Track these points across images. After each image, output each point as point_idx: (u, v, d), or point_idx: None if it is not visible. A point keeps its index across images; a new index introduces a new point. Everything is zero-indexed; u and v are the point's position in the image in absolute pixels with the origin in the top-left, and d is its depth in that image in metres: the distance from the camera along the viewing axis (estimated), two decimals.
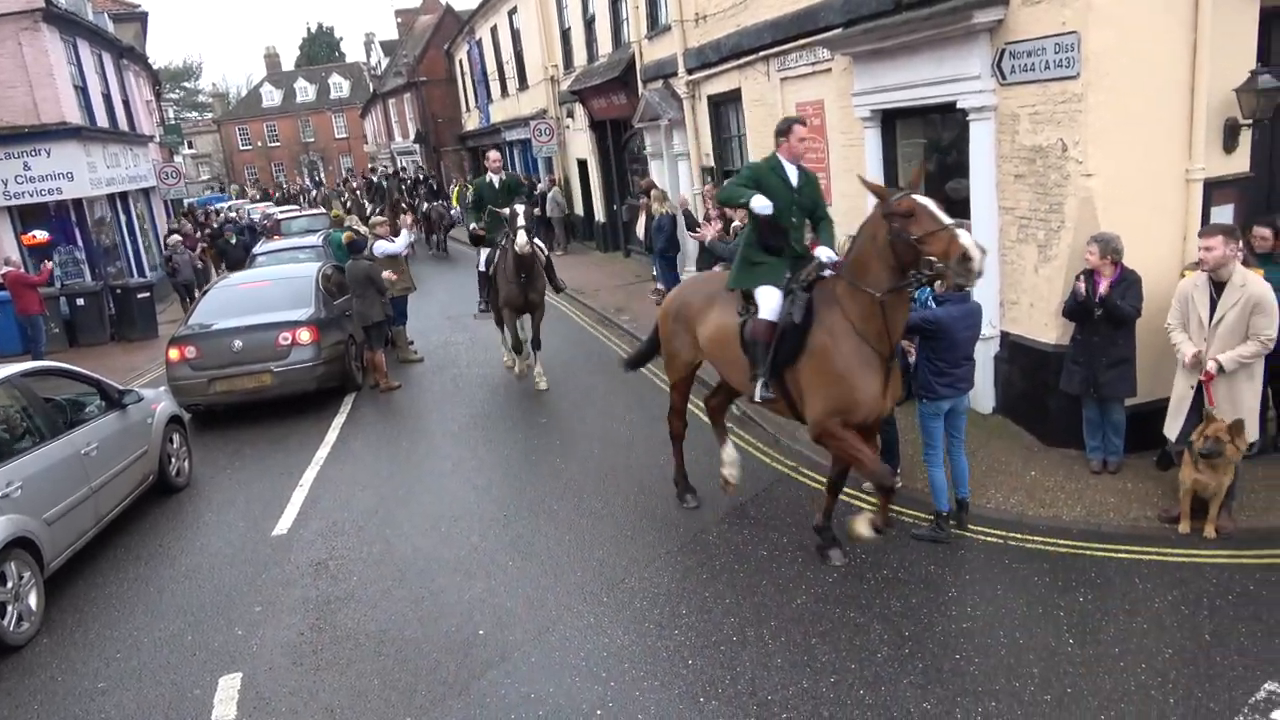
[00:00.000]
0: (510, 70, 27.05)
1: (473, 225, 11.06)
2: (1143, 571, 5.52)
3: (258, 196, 54.76)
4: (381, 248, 12.69)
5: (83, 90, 19.48)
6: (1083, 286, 6.40)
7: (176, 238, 19.55)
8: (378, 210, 22.66)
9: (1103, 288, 6.32)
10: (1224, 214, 6.90)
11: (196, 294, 16.49)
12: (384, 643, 5.56)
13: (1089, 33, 6.51)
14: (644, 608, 5.66)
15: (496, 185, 10.92)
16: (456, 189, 29.36)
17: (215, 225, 24.72)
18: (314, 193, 46.99)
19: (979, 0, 7.17)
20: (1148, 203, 6.83)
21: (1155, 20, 6.54)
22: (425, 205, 26.39)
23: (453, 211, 26.74)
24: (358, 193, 31.31)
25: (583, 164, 22.20)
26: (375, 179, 34.08)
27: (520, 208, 9.85)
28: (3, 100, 17.00)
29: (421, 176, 31.71)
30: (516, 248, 9.67)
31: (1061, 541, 5.93)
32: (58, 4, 18.28)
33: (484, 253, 10.97)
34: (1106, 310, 6.30)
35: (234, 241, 21.06)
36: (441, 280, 20.48)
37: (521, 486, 7.88)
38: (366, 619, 5.86)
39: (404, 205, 24.48)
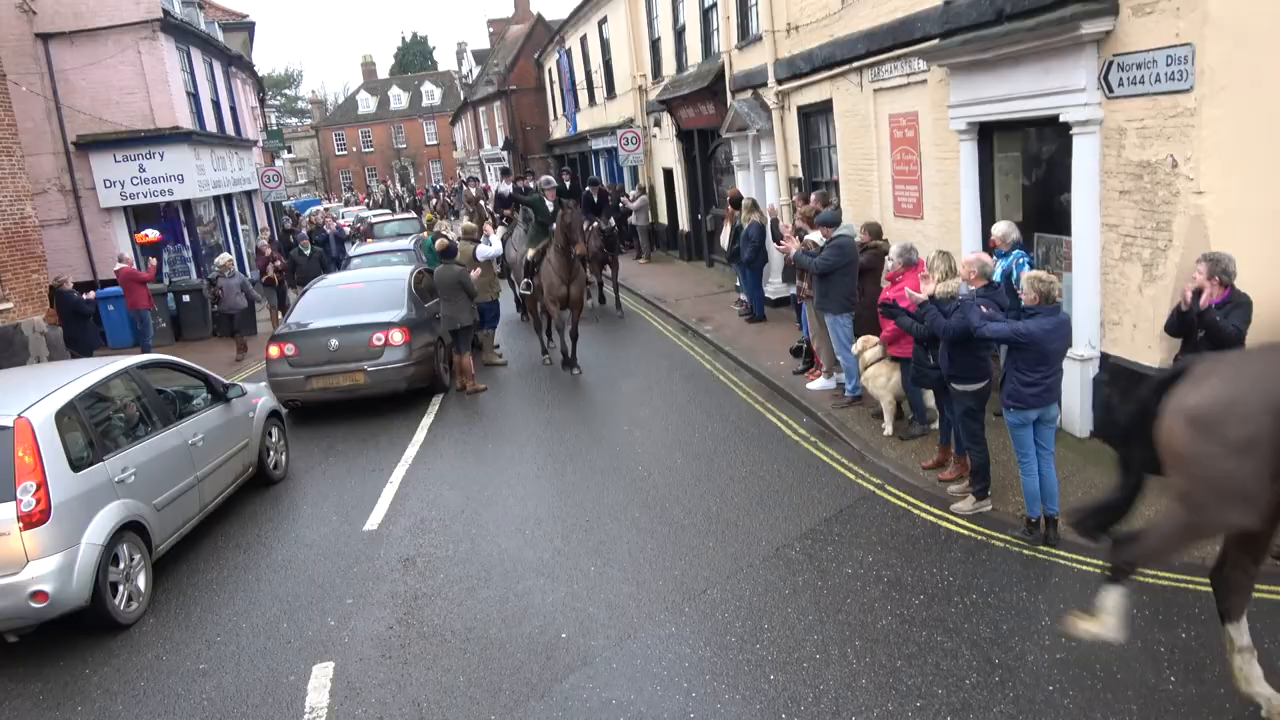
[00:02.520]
0: (598, 79, 27.33)
1: None
2: (1251, 610, 5.25)
3: (379, 201, 53.73)
4: (483, 251, 13.04)
5: (194, 97, 20.45)
6: (1190, 296, 6.13)
7: (227, 257, 16.48)
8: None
9: (1203, 302, 6.04)
10: None
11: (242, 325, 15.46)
12: (469, 640, 5.67)
13: (1205, 45, 6.27)
14: (726, 620, 5.65)
15: None
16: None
17: (297, 233, 21.45)
18: (433, 200, 42.88)
19: (1087, 11, 6.97)
20: (1263, 224, 6.52)
21: (1275, 33, 6.26)
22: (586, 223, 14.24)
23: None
24: (481, 204, 23.70)
25: (668, 173, 22.29)
26: (515, 187, 21.87)
27: None
28: (122, 105, 17.96)
29: (567, 183, 19.88)
30: None
31: (1163, 574, 5.69)
32: (174, 15, 19.25)
33: None
34: (1206, 328, 6.03)
35: (308, 254, 18.42)
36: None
37: (603, 492, 7.94)
38: (453, 616, 6.00)
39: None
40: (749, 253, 13.27)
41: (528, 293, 13.01)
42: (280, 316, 16.87)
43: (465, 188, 32.27)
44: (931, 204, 10.18)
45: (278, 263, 17.40)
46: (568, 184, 19.87)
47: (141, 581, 6.44)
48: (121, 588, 6.20)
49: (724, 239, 14.83)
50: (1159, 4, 6.54)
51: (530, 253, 12.91)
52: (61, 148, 17.67)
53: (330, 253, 21.47)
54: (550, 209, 12.64)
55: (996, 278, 7.50)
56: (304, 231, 21.84)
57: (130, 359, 7.66)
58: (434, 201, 41.00)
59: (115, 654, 5.88)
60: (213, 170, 20.35)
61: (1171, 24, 6.46)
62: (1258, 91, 6.33)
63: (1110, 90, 7.12)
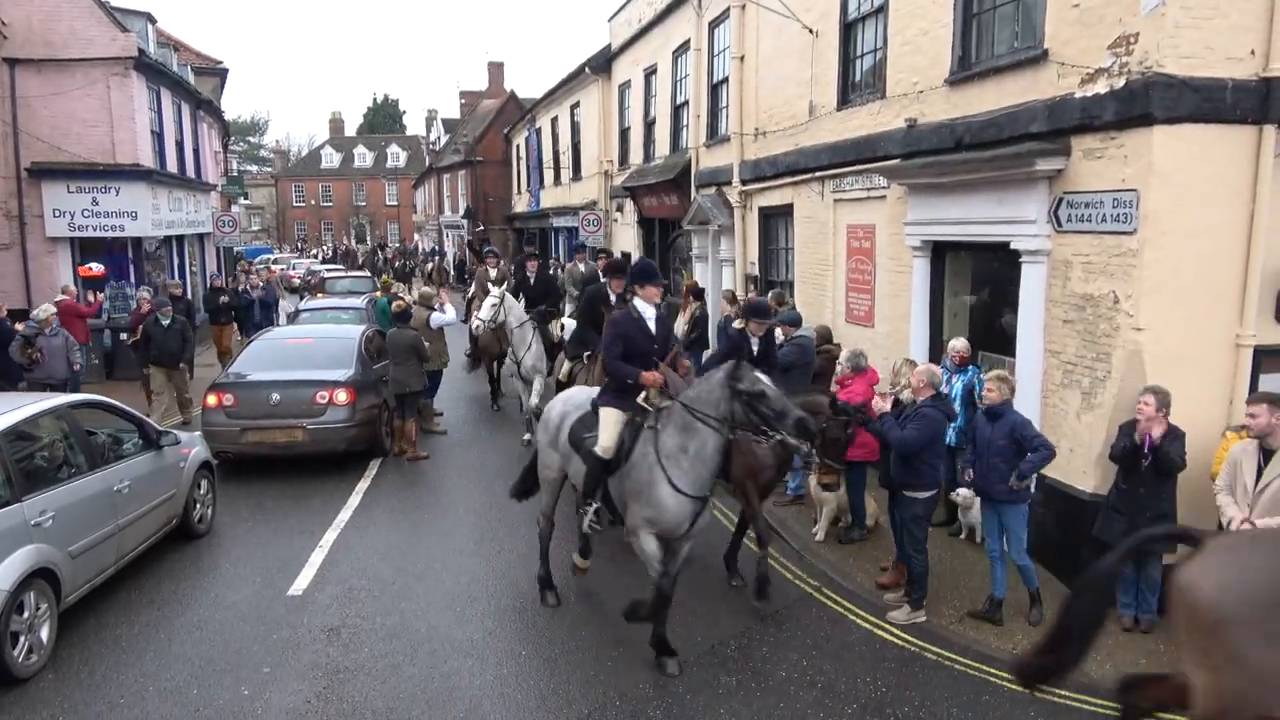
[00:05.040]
0: (565, 160, 27.87)
1: None
2: None
3: (356, 260, 45.85)
4: (437, 319, 12.91)
5: (159, 136, 20.28)
6: (1141, 429, 6.37)
7: (50, 310, 12.37)
8: None
9: (1155, 435, 6.30)
10: (1274, 383, 6.89)
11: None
12: None
13: (1149, 192, 6.66)
14: (657, 717, 5.53)
15: None
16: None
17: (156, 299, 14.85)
18: (429, 265, 33.47)
19: (1041, 150, 7.38)
20: (1196, 363, 6.85)
21: (1214, 189, 6.69)
22: None
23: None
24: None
25: (626, 257, 22.60)
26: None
27: None
28: (82, 137, 17.72)
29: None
30: None
31: (1091, 699, 5.75)
32: (149, 55, 19.24)
33: None
34: (1156, 459, 6.27)
35: (167, 324, 13.24)
36: None
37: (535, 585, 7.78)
38: (374, 694, 5.76)
39: None
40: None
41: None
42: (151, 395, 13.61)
43: (481, 265, 16.55)
44: (882, 314, 10.48)
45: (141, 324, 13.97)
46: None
47: (45, 633, 6.07)
48: (23, 638, 5.84)
49: (680, 327, 14.98)
50: (1108, 150, 6.96)
51: None
52: (13, 173, 17.33)
53: (254, 318, 18.11)
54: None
55: (954, 391, 7.81)
56: (163, 295, 15.67)
57: (62, 397, 7.40)
58: (430, 268, 31.89)
59: (7, 710, 5.51)
60: (168, 210, 20.08)
61: (1119, 170, 6.87)
62: (1195, 238, 6.72)
63: (1059, 225, 7.49)
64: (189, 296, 19.66)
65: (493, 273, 14.22)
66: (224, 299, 17.99)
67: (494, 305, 11.71)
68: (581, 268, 16.46)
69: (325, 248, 52.66)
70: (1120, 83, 6.79)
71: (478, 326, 12.13)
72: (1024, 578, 6.79)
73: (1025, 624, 6.74)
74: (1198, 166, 6.64)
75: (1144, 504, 6.39)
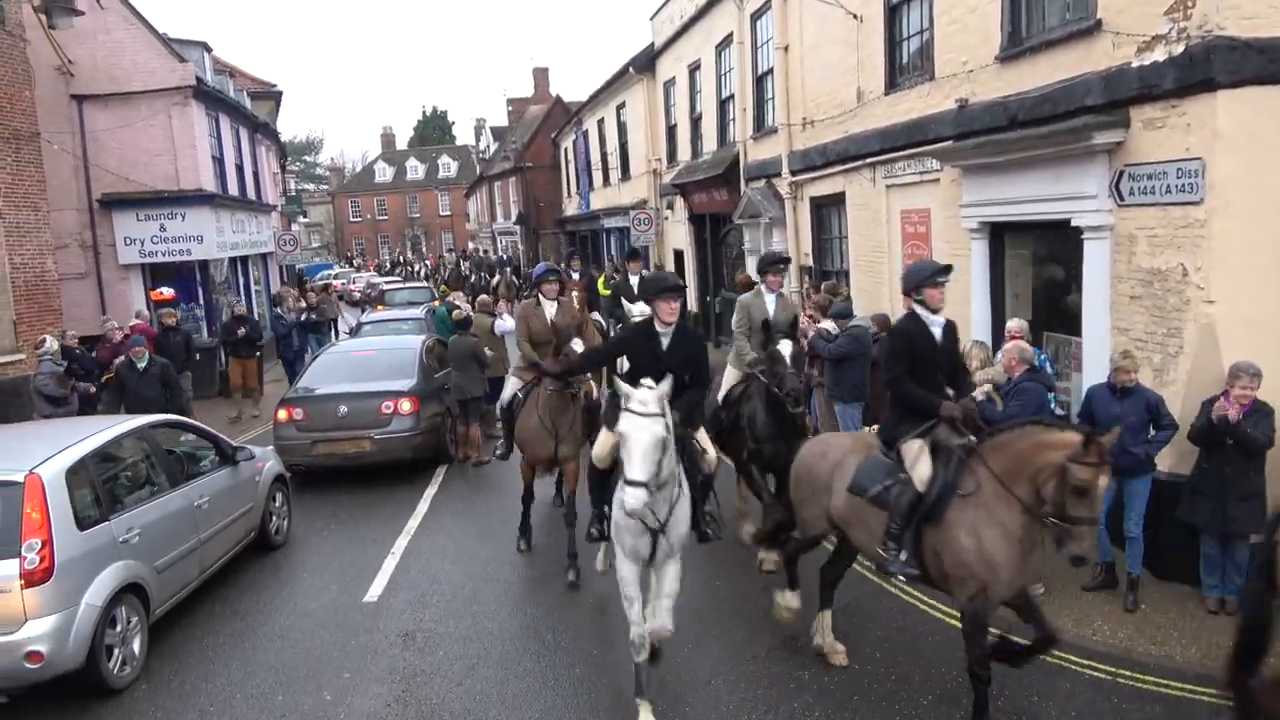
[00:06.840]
0: (614, 160, 27.95)
1: None
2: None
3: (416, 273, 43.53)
4: (501, 325, 13.08)
5: (219, 161, 20.91)
6: (1225, 411, 6.16)
7: (52, 343, 11.38)
8: None
9: (1232, 414, 6.09)
10: None
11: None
12: None
13: (1215, 160, 6.46)
14: (730, 712, 5.55)
15: None
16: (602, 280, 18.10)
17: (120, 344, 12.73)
18: (496, 279, 25.38)
19: (1099, 122, 7.20)
20: (1273, 334, 6.61)
21: None
22: None
23: None
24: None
25: (679, 255, 22.62)
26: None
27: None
28: (148, 166, 18.34)
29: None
30: None
31: (1175, 684, 5.61)
32: (206, 83, 19.84)
33: None
34: (1237, 439, 6.08)
35: (142, 368, 10.79)
36: None
37: (608, 573, 7.84)
38: (451, 696, 5.88)
39: None
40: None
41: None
42: None
43: (532, 292, 9.12)
44: None
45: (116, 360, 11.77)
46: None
47: (137, 645, 6.33)
48: (117, 651, 6.10)
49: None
50: (1169, 119, 6.76)
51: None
52: (85, 204, 18.00)
53: (292, 345, 16.57)
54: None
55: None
56: (136, 338, 11.70)
57: (141, 419, 7.68)
58: (498, 280, 24.35)
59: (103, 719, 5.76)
60: (231, 232, 20.69)
61: (1182, 138, 6.66)
62: (1266, 205, 6.49)
63: (1121, 199, 7.29)
64: (186, 327, 16.18)
65: (549, 309, 8.32)
66: (243, 330, 15.42)
67: (657, 416, 5.05)
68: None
69: (426, 264, 51.24)
70: (1179, 49, 6.59)
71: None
72: (1129, 553, 6.68)
73: (1103, 612, 6.58)
74: (1265, 130, 6.41)
75: (1231, 484, 6.18)
